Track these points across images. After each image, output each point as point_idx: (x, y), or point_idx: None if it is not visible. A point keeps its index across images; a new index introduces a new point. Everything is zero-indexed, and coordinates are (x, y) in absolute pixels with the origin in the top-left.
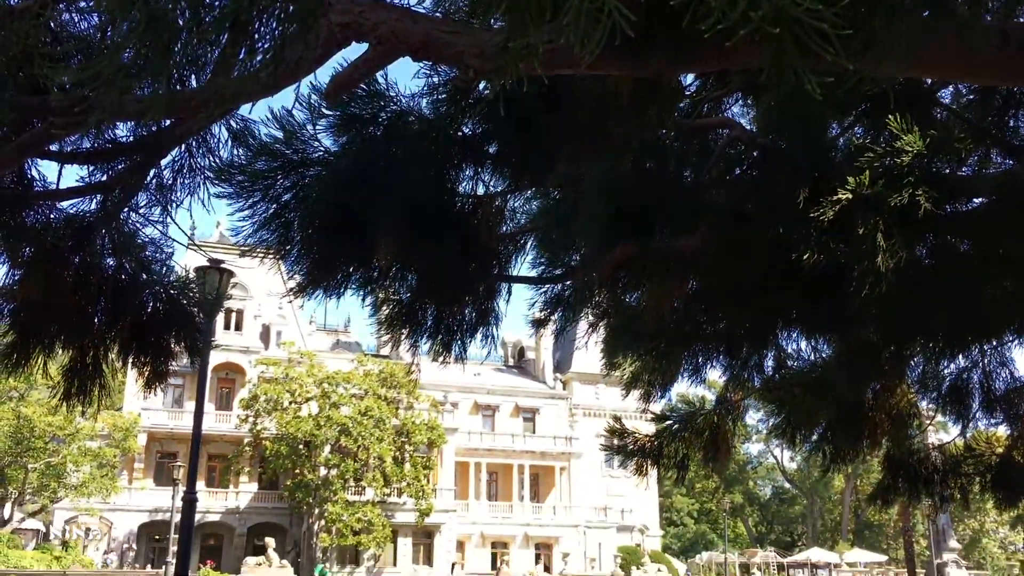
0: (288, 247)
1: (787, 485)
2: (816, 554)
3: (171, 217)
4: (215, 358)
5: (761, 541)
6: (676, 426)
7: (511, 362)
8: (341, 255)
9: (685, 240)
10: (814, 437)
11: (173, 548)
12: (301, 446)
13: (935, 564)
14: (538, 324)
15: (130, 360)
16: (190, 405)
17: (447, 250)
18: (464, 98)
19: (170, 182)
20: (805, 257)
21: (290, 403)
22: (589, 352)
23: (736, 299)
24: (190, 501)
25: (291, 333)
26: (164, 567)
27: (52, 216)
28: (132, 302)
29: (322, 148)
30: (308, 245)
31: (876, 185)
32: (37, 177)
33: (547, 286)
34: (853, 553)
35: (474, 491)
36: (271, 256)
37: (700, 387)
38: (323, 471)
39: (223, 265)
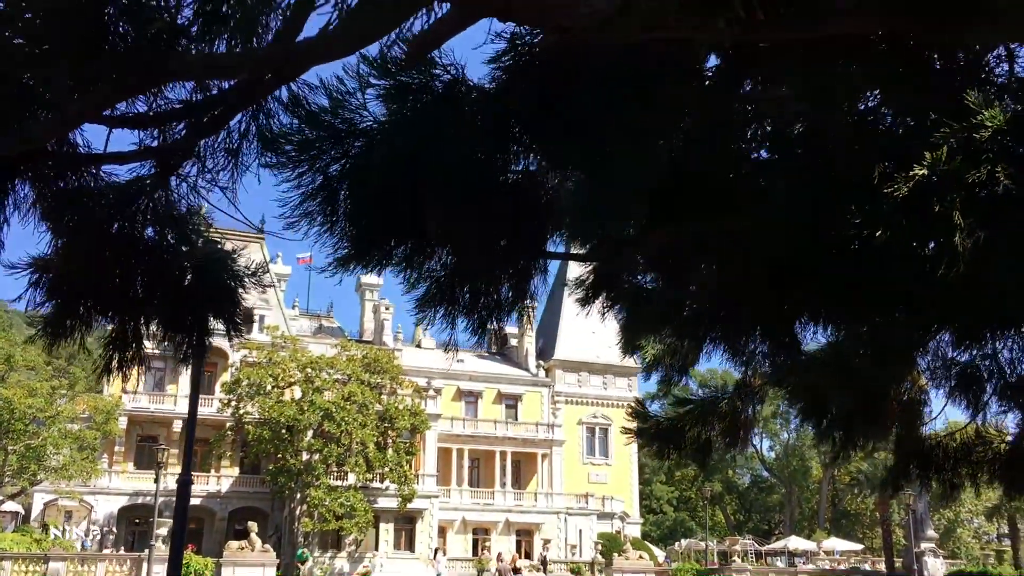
0: (334, 219)
1: (765, 474)
2: (794, 542)
3: (218, 186)
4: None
5: (739, 529)
6: (698, 410)
7: (493, 349)
8: (387, 228)
9: (732, 221)
10: (823, 424)
11: (156, 531)
12: (284, 431)
13: (913, 552)
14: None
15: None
16: (171, 388)
17: (495, 224)
18: (523, 68)
19: (221, 150)
20: (878, 235)
21: (273, 388)
22: (572, 339)
23: (777, 282)
24: (184, 483)
25: (274, 318)
26: (148, 550)
27: (95, 184)
28: (172, 274)
29: (371, 118)
30: (354, 217)
31: (953, 161)
32: (80, 143)
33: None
34: (830, 541)
35: (456, 477)
36: (316, 229)
37: (726, 369)
38: (306, 456)
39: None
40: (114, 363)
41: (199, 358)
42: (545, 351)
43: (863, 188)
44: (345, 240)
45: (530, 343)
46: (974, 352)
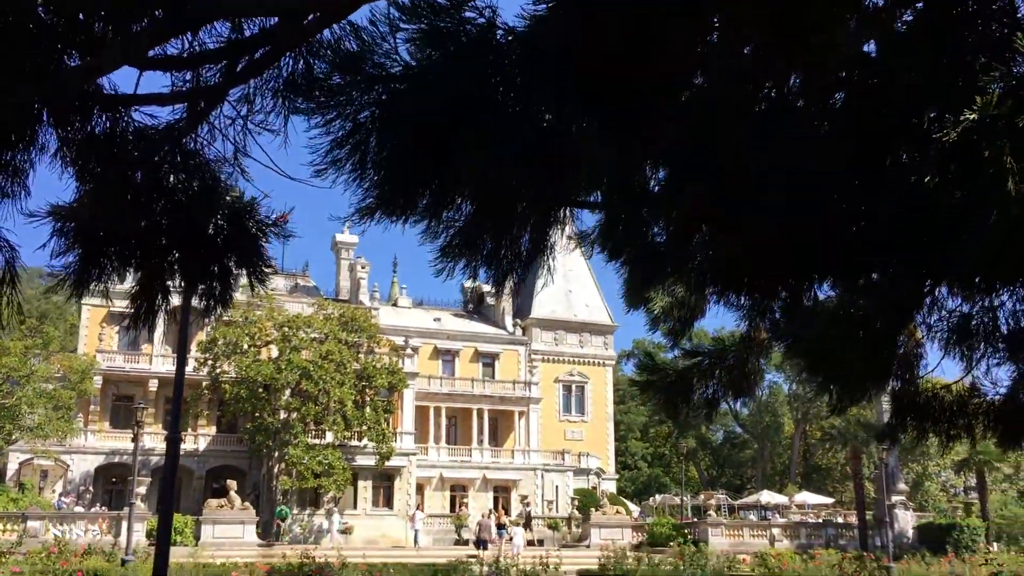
0: (362, 168)
1: (739, 430)
2: (766, 496)
3: (250, 134)
4: (172, 300)
5: (713, 484)
6: (706, 362)
7: (470, 307)
8: (414, 175)
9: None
10: (819, 378)
11: (136, 489)
12: (261, 389)
13: (885, 505)
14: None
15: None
16: (146, 348)
17: (523, 171)
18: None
19: (253, 95)
20: (926, 181)
21: (249, 347)
22: (549, 298)
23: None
24: (174, 440)
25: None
26: (128, 508)
27: (121, 129)
28: (197, 223)
29: (400, 63)
30: (382, 165)
31: (1004, 106)
32: (107, 87)
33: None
34: (802, 495)
35: (434, 435)
36: (345, 177)
37: (731, 329)
38: (283, 414)
39: None
40: (141, 312)
41: (224, 308)
42: (522, 310)
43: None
44: (373, 189)
45: (507, 302)
46: (977, 304)
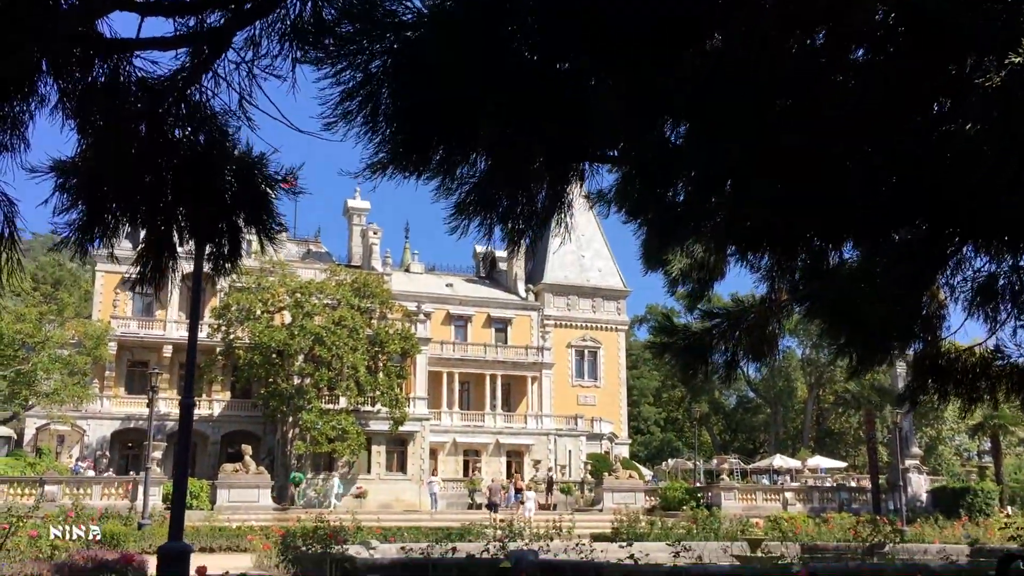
0: (374, 121)
1: (751, 395)
2: (778, 460)
3: (256, 81)
4: (184, 266)
5: (725, 449)
6: (725, 324)
7: (482, 273)
8: (428, 129)
9: (809, 121)
10: (840, 340)
11: (152, 454)
12: (274, 355)
13: (899, 469)
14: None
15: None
16: (160, 314)
17: (541, 124)
18: None
19: (259, 37)
20: (967, 127)
21: (263, 312)
22: (562, 262)
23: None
24: (188, 405)
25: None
26: (144, 472)
27: (123, 79)
28: (203, 178)
29: (413, 11)
30: (395, 117)
31: None
32: (107, 34)
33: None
34: (814, 459)
35: (447, 400)
36: (356, 130)
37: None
38: (297, 380)
39: None
40: (148, 270)
41: (234, 267)
42: (534, 275)
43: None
44: (385, 144)
45: (519, 267)
46: (1005, 264)
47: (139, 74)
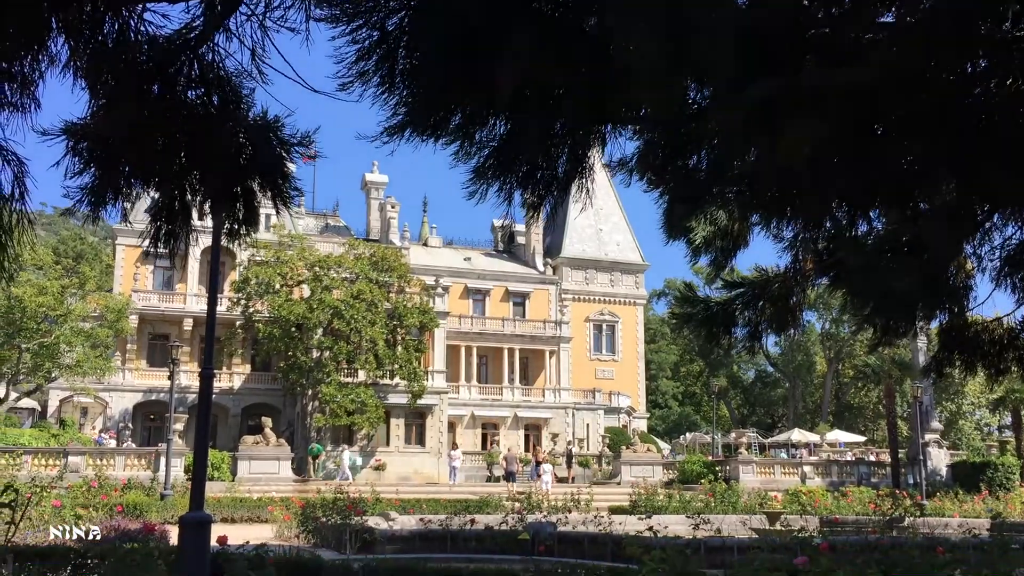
0: (390, 81)
1: (770, 369)
2: (797, 435)
3: (270, 39)
4: (203, 241)
5: (743, 423)
6: (749, 294)
7: (500, 247)
8: (447, 88)
9: (842, 72)
10: (865, 310)
11: (173, 426)
12: (293, 329)
13: (919, 443)
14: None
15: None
16: (180, 287)
17: (566, 81)
18: None
19: None
20: (1008, 83)
21: (282, 286)
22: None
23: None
24: (207, 375)
25: (280, 216)
26: (167, 444)
27: (134, 38)
28: (217, 140)
29: None
30: (412, 75)
31: None
32: None
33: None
34: (833, 433)
35: (465, 374)
36: (372, 91)
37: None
38: (316, 353)
39: None
40: (161, 234)
41: (250, 232)
42: (552, 249)
43: (991, 37)
44: (401, 106)
45: (537, 241)
46: None
47: (150, 33)
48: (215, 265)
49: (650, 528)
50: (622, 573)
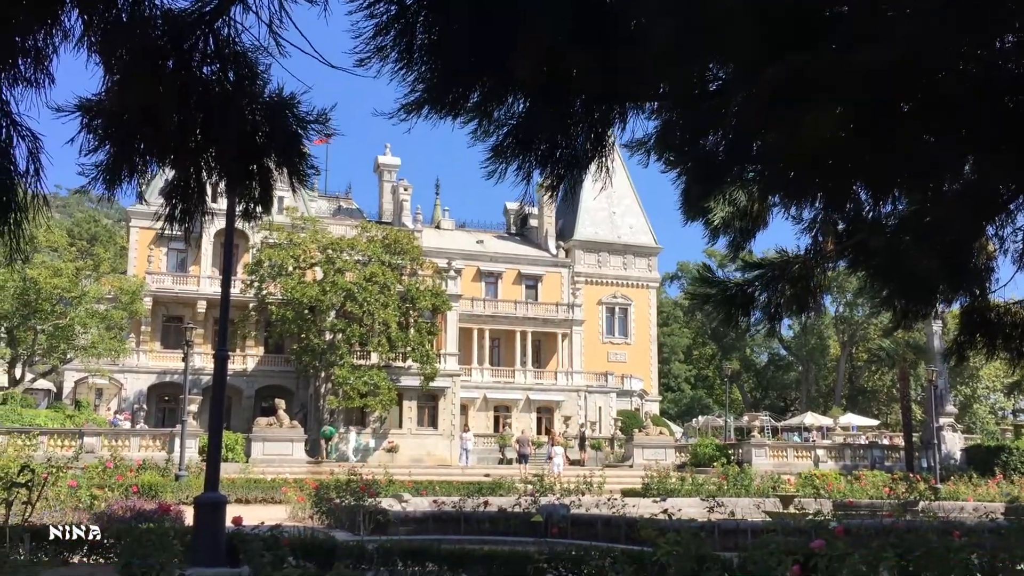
0: (409, 57)
1: (783, 352)
2: (809, 418)
3: (286, 11)
4: (217, 223)
5: (756, 406)
6: (769, 275)
7: (513, 230)
8: (467, 65)
9: (867, 48)
10: (884, 293)
11: (189, 407)
12: (306, 311)
13: (933, 427)
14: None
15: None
16: (194, 270)
17: (587, 58)
18: None
19: None
20: None
21: (295, 269)
22: (592, 219)
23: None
24: (222, 358)
25: (293, 199)
26: (181, 425)
27: (149, 12)
28: (233, 117)
29: None
30: (431, 51)
31: None
32: None
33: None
34: (846, 417)
35: (477, 357)
36: (391, 67)
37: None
38: (329, 336)
39: None
40: (176, 212)
41: (266, 210)
42: (564, 232)
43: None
44: (419, 82)
45: (550, 223)
46: None
47: (165, 3)
48: (229, 246)
49: (664, 511)
50: (636, 555)
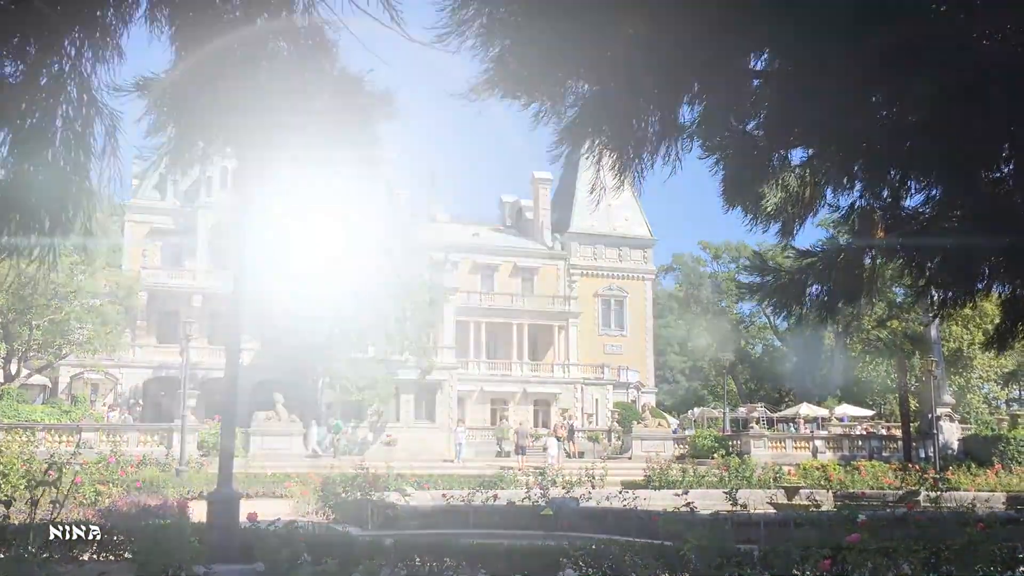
0: (489, 31)
1: (778, 343)
2: (805, 409)
3: None
4: (213, 215)
5: (751, 397)
6: (821, 263)
7: (509, 222)
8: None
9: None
10: (921, 282)
11: (187, 402)
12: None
13: (932, 417)
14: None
15: None
16: (189, 263)
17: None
18: None
19: None
20: None
21: None
22: (588, 211)
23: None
24: (233, 351)
25: None
26: (181, 420)
27: None
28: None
29: None
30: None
31: None
32: None
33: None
34: (841, 408)
35: (474, 349)
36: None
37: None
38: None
39: None
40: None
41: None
42: (560, 223)
43: None
44: (495, 63)
45: (545, 215)
46: None
47: None
48: (240, 239)
49: (687, 504)
50: (656, 549)
